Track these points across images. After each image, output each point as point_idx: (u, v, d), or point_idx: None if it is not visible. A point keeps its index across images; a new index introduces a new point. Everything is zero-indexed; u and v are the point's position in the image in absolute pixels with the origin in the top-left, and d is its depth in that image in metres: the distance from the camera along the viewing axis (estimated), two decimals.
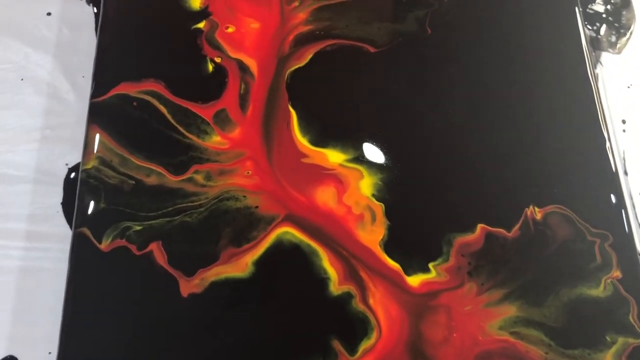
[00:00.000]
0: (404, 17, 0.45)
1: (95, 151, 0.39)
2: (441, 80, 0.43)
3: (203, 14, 0.44)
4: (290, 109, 0.41)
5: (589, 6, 0.58)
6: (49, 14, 0.55)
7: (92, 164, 0.39)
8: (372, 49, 0.43)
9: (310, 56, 0.43)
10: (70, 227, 0.44)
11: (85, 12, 0.55)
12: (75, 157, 0.48)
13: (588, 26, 0.56)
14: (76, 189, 0.39)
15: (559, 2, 0.47)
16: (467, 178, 0.40)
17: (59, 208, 0.46)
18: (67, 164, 0.48)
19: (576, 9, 0.47)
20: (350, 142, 0.40)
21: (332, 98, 0.42)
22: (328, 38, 0.44)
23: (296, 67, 0.43)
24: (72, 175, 0.46)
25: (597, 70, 0.55)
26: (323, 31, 0.44)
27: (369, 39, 0.44)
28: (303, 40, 0.44)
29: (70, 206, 0.44)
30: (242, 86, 0.42)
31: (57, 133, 0.49)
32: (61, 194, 0.47)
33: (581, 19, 0.47)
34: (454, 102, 0.42)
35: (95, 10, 0.54)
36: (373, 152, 0.40)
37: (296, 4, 0.45)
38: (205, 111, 0.41)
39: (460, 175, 0.40)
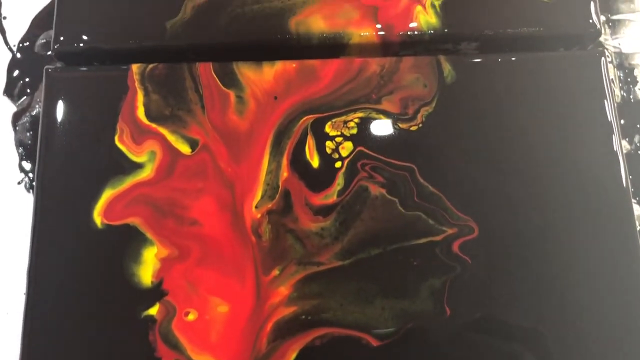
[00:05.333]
0: (416, 289, 0.34)
1: None
2: None
3: (156, 293, 0.34)
4: None
5: None
6: None
7: None
8: (374, 342, 0.34)
9: (294, 355, 0.33)
10: None
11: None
12: None
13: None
14: None
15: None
16: None
17: None
18: None
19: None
20: None
21: None
22: (317, 326, 0.34)
23: None
24: None
25: None
26: (310, 315, 0.34)
27: (370, 326, 0.34)
28: (284, 331, 0.34)
29: None
30: None
31: None
32: None
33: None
34: None
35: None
36: None
37: (276, 272, 0.35)
38: None
39: None
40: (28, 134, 0.47)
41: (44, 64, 0.48)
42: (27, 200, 0.45)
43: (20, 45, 0.49)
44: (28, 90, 0.48)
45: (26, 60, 0.49)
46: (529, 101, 0.38)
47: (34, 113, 0.48)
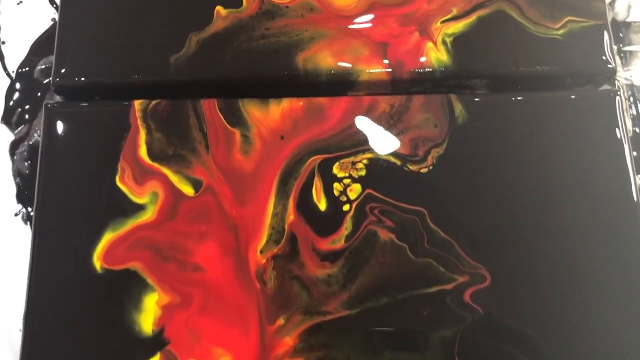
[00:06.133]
0: (426, 340, 0.33)
1: None
2: None
3: (157, 342, 0.33)
4: None
5: None
6: None
7: None
8: None
9: None
10: None
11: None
12: None
13: None
14: None
15: None
16: None
17: None
18: None
19: None
20: None
21: None
22: None
23: None
24: None
25: None
26: None
27: None
28: None
29: None
30: None
31: None
32: None
33: None
34: None
35: None
36: None
37: (281, 321, 0.34)
38: None
39: None
40: (26, 163, 0.46)
41: (43, 90, 0.48)
42: (25, 233, 0.44)
43: (20, 70, 0.48)
44: (26, 117, 0.47)
45: (25, 87, 0.48)
46: (542, 141, 0.37)
47: (32, 142, 0.46)
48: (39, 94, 0.47)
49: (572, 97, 0.38)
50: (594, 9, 0.40)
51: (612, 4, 0.50)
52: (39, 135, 0.45)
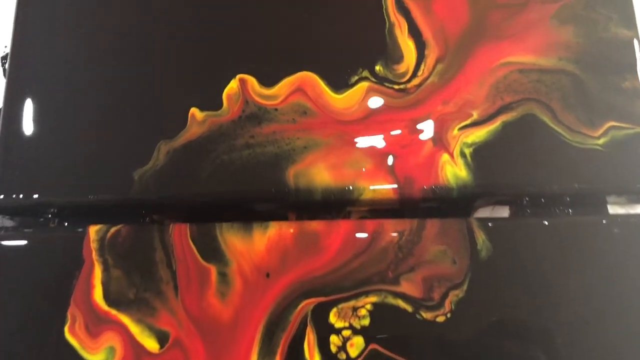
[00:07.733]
0: None
1: None
2: None
3: None
4: None
5: None
6: None
7: None
8: None
9: None
10: None
11: None
12: None
13: None
14: None
15: None
16: None
17: None
18: None
19: None
20: None
21: None
22: None
23: None
24: None
25: None
26: None
27: None
28: None
29: None
30: None
31: None
32: None
33: None
34: None
35: None
36: None
37: None
38: None
39: None
40: None
41: None
42: None
43: None
44: None
45: None
46: (582, 276, 0.31)
47: None
48: None
49: (617, 221, 0.32)
50: (638, 109, 0.34)
51: None
52: None
